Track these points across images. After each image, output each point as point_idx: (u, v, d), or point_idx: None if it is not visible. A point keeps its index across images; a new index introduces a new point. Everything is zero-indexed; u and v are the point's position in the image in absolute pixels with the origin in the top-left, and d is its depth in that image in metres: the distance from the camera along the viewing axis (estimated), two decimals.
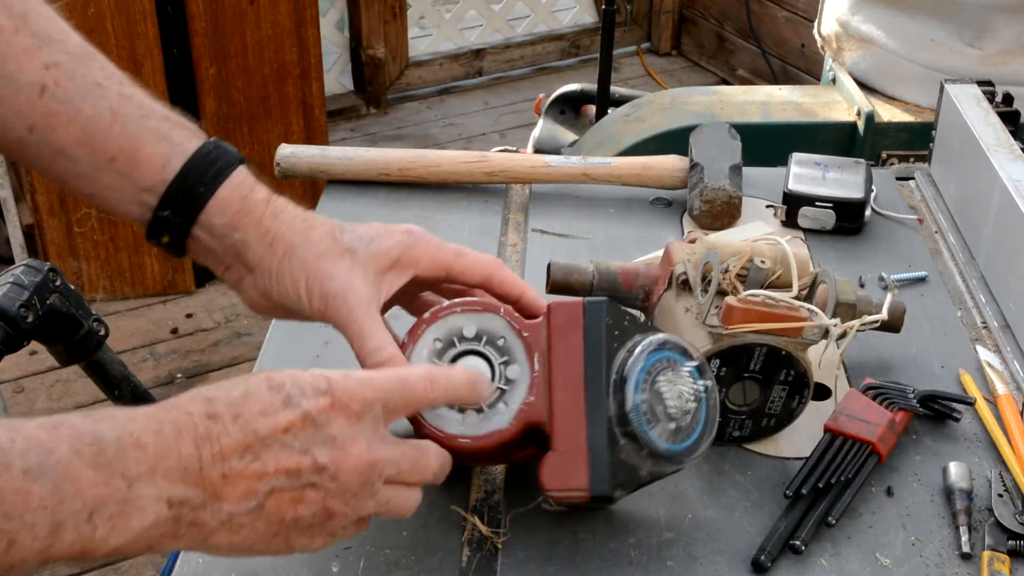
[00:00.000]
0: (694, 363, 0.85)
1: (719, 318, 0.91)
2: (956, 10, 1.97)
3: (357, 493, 0.72)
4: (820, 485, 0.90)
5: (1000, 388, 1.03)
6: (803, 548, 0.86)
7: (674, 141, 1.84)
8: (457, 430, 0.81)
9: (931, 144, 1.41)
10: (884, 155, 2.01)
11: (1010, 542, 0.87)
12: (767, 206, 1.32)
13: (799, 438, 0.97)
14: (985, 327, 1.15)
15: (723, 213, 1.27)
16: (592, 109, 2.52)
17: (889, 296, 1.02)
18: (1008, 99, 1.38)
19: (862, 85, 2.11)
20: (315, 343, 1.05)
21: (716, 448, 0.95)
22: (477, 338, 0.84)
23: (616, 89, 2.53)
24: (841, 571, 0.86)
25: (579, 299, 0.84)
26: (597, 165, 1.32)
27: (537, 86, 4.15)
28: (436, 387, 0.78)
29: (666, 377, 0.83)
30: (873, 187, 1.30)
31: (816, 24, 2.27)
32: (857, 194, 1.27)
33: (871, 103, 2.04)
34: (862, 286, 1.19)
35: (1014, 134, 1.26)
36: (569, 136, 2.47)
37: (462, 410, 0.82)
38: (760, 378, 0.93)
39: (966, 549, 0.87)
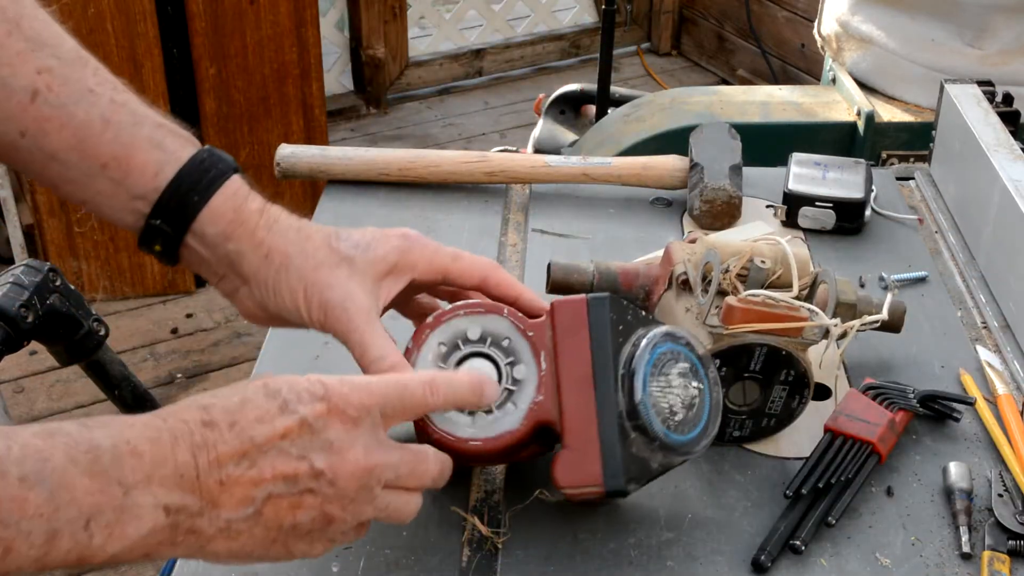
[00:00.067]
0: (697, 353, 0.85)
1: (719, 318, 0.91)
2: (956, 10, 1.97)
3: (355, 498, 0.72)
4: (820, 485, 0.90)
5: (1000, 388, 1.03)
6: (803, 548, 0.86)
7: (674, 141, 1.84)
8: (467, 433, 0.81)
9: (931, 144, 1.41)
10: (884, 155, 2.01)
11: (1010, 542, 0.87)
12: (767, 206, 1.32)
13: (799, 438, 0.97)
14: (985, 327, 1.15)
15: (723, 213, 1.27)
16: (592, 109, 2.52)
17: (889, 296, 1.02)
18: (1008, 99, 1.38)
19: (862, 85, 2.11)
20: (315, 343, 1.05)
21: (716, 448, 0.95)
22: (482, 340, 0.84)
23: (616, 89, 2.53)
24: (841, 571, 0.86)
25: (582, 296, 0.84)
26: (597, 165, 1.32)
27: (537, 86, 4.15)
28: (437, 393, 0.77)
29: (672, 368, 0.83)
30: (873, 187, 1.30)
31: (816, 24, 2.27)
32: (857, 194, 1.27)
33: (871, 103, 2.04)
34: (862, 286, 1.19)
35: (1014, 134, 1.26)
36: (569, 136, 2.47)
37: (471, 413, 0.82)
38: (760, 378, 0.93)
39: (966, 549, 0.87)
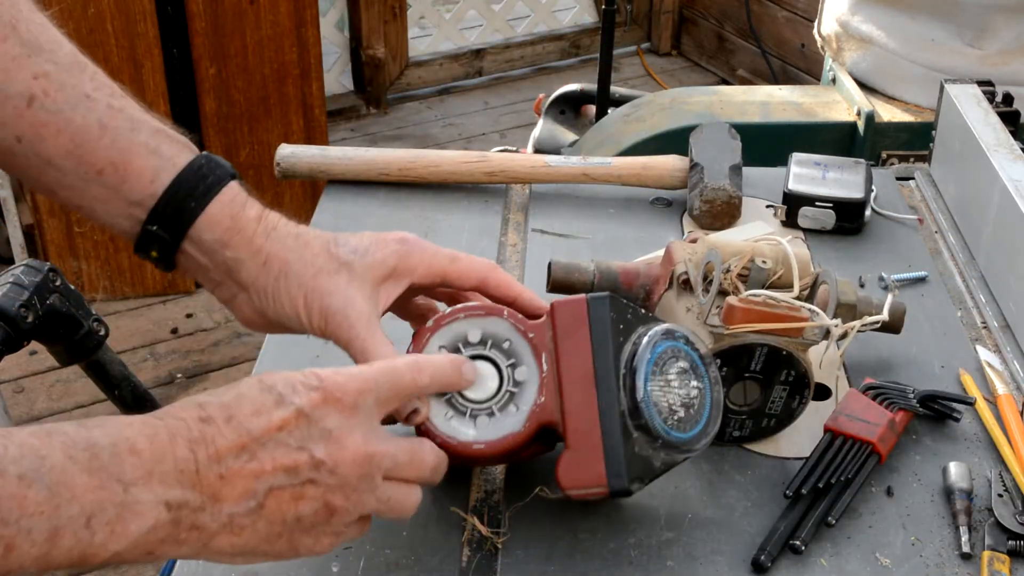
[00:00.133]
0: (697, 350, 0.85)
1: (720, 318, 0.91)
2: (956, 10, 1.97)
3: (357, 487, 0.72)
4: (820, 485, 0.90)
5: (1000, 388, 1.03)
6: (803, 548, 0.86)
7: (674, 141, 1.84)
8: (470, 436, 0.81)
9: (931, 144, 1.41)
10: (884, 155, 2.01)
11: (1010, 542, 0.87)
12: (767, 206, 1.32)
13: (799, 438, 0.97)
14: (985, 327, 1.15)
15: (723, 213, 1.27)
16: (592, 109, 2.52)
17: (890, 297, 1.03)
18: (1008, 99, 1.38)
19: (862, 85, 2.11)
20: (315, 342, 1.04)
21: (716, 448, 0.95)
22: (482, 342, 0.84)
23: (616, 89, 2.53)
24: (841, 571, 0.86)
25: (581, 296, 0.84)
26: (597, 165, 1.32)
27: (537, 86, 4.15)
28: (423, 373, 0.78)
29: (672, 366, 0.83)
30: (873, 187, 1.30)
31: (816, 24, 2.27)
32: (857, 194, 1.27)
33: (871, 103, 2.04)
34: (862, 286, 1.19)
35: (1014, 134, 1.26)
36: (569, 136, 2.47)
37: (474, 416, 0.82)
38: (761, 378, 0.93)
39: (966, 549, 0.87)
